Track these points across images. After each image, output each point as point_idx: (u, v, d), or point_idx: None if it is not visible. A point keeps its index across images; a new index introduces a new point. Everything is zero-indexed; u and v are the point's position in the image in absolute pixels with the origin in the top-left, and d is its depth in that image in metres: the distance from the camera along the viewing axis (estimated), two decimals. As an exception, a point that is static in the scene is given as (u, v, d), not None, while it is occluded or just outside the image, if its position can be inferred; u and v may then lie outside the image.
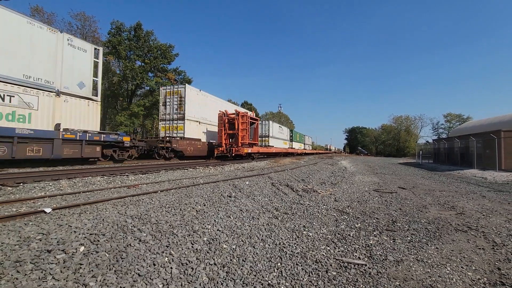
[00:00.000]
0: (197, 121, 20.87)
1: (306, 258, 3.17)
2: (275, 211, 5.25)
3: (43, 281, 2.32)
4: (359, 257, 3.24)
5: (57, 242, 3.03)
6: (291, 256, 3.21)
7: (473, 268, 3.04)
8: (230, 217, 4.53)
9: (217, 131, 21.61)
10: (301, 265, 2.97)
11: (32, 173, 8.67)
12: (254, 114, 23.68)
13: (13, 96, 9.73)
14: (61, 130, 10.88)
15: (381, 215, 5.29)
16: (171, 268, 2.71)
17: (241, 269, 2.82)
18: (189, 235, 3.58)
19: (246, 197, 6.14)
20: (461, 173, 16.86)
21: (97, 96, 12.93)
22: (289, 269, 2.87)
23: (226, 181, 8.25)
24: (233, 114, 20.36)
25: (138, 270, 2.61)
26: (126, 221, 3.86)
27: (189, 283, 2.50)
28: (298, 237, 3.88)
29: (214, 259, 2.98)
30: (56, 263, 2.59)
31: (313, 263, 3.03)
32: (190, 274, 2.64)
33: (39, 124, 10.44)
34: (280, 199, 6.40)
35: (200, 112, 21.24)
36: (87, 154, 11.99)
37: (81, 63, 12.26)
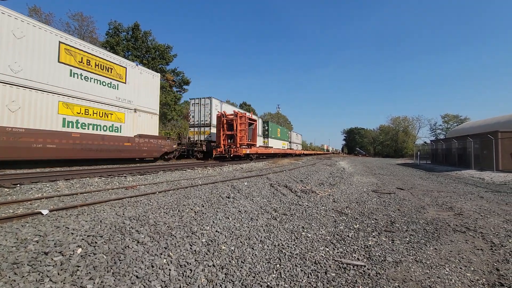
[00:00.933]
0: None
1: (305, 259, 3.16)
2: (274, 212, 5.24)
3: (40, 283, 2.30)
4: (358, 258, 3.24)
5: (54, 244, 3.00)
6: (290, 257, 3.20)
7: (472, 268, 3.04)
8: (228, 218, 4.52)
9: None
10: (300, 267, 2.96)
11: (29, 174, 8.61)
12: (253, 115, 23.67)
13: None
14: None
15: (379, 216, 5.30)
16: (170, 270, 2.70)
17: (240, 270, 2.81)
18: (188, 237, 3.57)
19: (244, 198, 6.13)
20: (458, 173, 16.93)
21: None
22: (288, 271, 2.86)
23: (225, 182, 8.23)
24: (232, 115, 20.33)
25: (136, 272, 2.59)
26: (124, 223, 3.83)
27: (188, 285, 2.49)
28: (297, 238, 3.87)
29: (212, 261, 2.97)
30: (53, 265, 2.57)
31: (312, 264, 3.03)
32: (188, 276, 2.62)
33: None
34: (278, 200, 6.39)
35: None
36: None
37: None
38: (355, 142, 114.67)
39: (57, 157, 10.92)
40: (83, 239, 3.17)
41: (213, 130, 21.70)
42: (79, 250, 2.91)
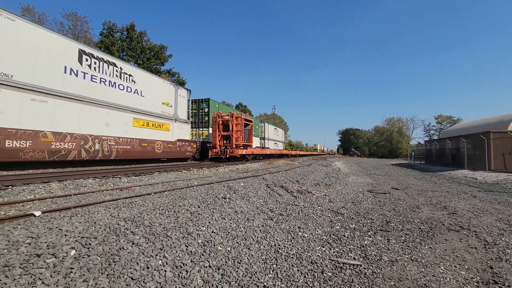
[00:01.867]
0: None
1: (302, 259, 3.16)
2: (270, 213, 5.23)
3: (33, 286, 2.26)
4: (354, 258, 3.25)
5: (47, 246, 2.95)
6: (286, 257, 3.20)
7: (466, 267, 3.07)
8: (225, 219, 4.50)
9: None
10: (297, 266, 2.95)
11: (21, 175, 8.46)
12: (249, 115, 23.67)
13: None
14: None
15: (375, 215, 5.33)
16: (165, 271, 2.67)
17: (237, 271, 2.79)
18: (184, 238, 3.54)
19: (240, 199, 6.11)
20: (452, 173, 17.15)
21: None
22: (284, 271, 2.85)
23: (221, 182, 8.20)
24: (227, 115, 20.29)
25: (131, 273, 2.56)
26: (118, 224, 3.79)
27: (184, 286, 2.46)
28: (293, 238, 3.87)
29: (209, 262, 2.95)
30: (46, 268, 2.52)
31: (308, 264, 3.02)
32: (184, 277, 2.60)
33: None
34: (275, 200, 6.39)
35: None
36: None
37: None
38: (350, 143, 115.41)
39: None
40: (76, 241, 3.12)
41: (211, 131, 21.83)
42: (73, 252, 2.86)
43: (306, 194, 7.37)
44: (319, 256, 3.27)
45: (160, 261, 2.86)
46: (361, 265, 3.02)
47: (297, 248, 3.49)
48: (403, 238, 4.00)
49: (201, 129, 22.93)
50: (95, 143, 12.21)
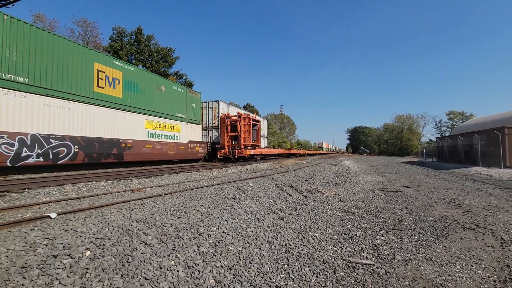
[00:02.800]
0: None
1: (313, 259, 3.14)
2: (280, 212, 5.22)
3: (50, 287, 2.32)
4: (366, 257, 3.21)
5: (63, 247, 3.03)
6: (298, 257, 3.19)
7: (483, 266, 2.99)
8: (235, 219, 4.52)
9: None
10: (309, 266, 2.94)
11: (37, 179, 8.71)
12: (256, 115, 23.68)
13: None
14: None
15: (387, 214, 5.25)
16: (178, 271, 2.70)
17: (248, 271, 2.80)
18: (195, 238, 3.57)
19: (250, 199, 6.12)
20: (465, 170, 16.73)
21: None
22: (296, 270, 2.84)
23: (230, 183, 8.24)
24: (235, 116, 20.35)
25: (144, 274, 2.60)
26: (131, 225, 3.85)
27: (196, 286, 2.49)
28: (304, 238, 3.85)
29: (220, 262, 2.96)
30: (62, 268, 2.59)
31: (320, 264, 3.00)
32: (197, 277, 2.62)
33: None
34: (284, 200, 6.37)
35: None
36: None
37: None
38: (359, 141, 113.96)
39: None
40: (91, 242, 3.19)
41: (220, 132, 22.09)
42: (88, 252, 2.92)
43: (316, 193, 7.32)
44: (330, 255, 3.24)
45: (173, 261, 2.90)
46: (374, 265, 2.98)
47: (308, 248, 3.47)
48: (416, 237, 3.93)
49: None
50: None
